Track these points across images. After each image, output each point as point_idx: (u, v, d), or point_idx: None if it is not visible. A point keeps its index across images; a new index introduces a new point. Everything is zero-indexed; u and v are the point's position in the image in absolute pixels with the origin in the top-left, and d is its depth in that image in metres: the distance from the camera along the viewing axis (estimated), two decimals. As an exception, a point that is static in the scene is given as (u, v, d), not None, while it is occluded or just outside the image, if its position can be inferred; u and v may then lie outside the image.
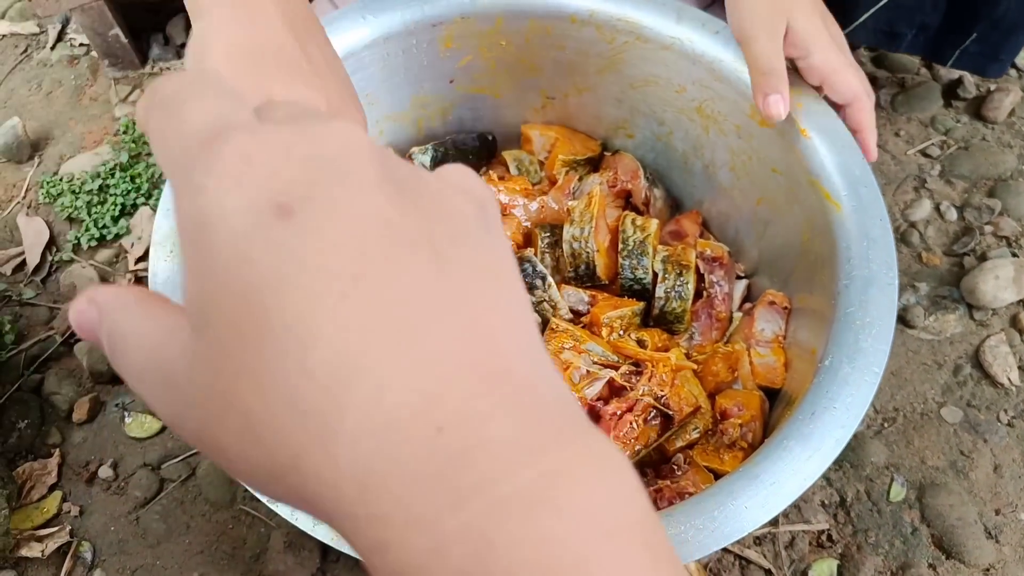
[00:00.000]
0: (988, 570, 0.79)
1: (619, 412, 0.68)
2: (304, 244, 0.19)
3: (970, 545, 0.79)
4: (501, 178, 0.89)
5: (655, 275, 0.80)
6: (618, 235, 0.82)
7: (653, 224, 0.82)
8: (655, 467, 0.71)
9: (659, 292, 0.79)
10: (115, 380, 0.93)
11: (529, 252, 0.81)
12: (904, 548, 0.80)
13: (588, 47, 0.84)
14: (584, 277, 0.82)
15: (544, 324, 0.78)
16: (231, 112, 0.21)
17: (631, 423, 0.68)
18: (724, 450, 0.69)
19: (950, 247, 0.98)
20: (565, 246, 0.82)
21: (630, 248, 0.81)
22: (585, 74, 0.87)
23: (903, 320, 0.93)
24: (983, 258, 0.95)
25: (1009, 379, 0.88)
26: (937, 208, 1.01)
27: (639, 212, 0.89)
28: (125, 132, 1.12)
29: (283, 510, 0.55)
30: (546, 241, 0.84)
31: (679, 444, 0.71)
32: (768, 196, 0.80)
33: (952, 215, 1.00)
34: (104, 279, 1.00)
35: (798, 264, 0.77)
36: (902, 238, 0.99)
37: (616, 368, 0.72)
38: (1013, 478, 0.84)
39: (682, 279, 0.79)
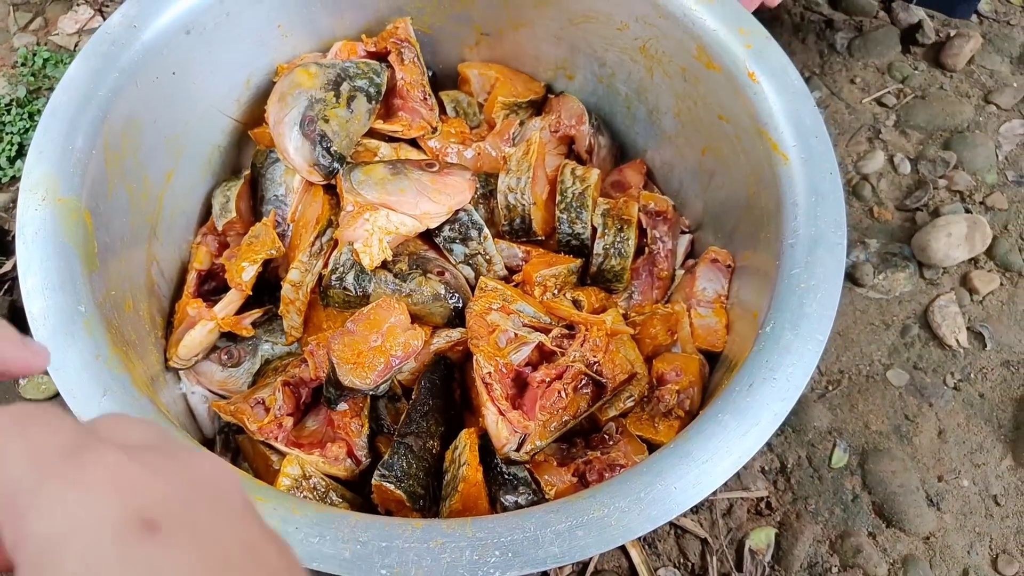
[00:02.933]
0: (928, 538, 0.76)
1: (548, 380, 0.63)
2: (168, 561, 0.19)
3: (911, 513, 0.77)
4: (442, 120, 0.82)
5: (594, 230, 0.75)
6: (556, 186, 0.76)
7: (594, 174, 0.76)
8: (585, 436, 0.67)
9: (597, 248, 0.74)
10: (9, 337, 0.86)
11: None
12: (844, 516, 0.77)
13: (524, -22, 0.77)
14: (519, 231, 0.76)
15: (476, 279, 0.72)
16: (86, 432, 0.21)
17: (560, 392, 0.63)
18: (659, 419, 0.65)
19: (902, 201, 0.94)
20: (500, 197, 0.76)
21: (568, 201, 0.75)
22: (521, 7, 0.80)
23: (852, 278, 0.89)
24: (936, 213, 0.92)
25: (957, 340, 0.85)
26: (891, 160, 0.96)
27: (581, 161, 0.83)
28: (24, 64, 1.02)
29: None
30: (479, 191, 0.77)
31: (612, 413, 0.67)
32: (714, 145, 0.74)
33: (906, 167, 0.95)
34: (-2, 226, 0.91)
35: (743, 219, 0.71)
36: (853, 191, 0.94)
37: (547, 331, 0.67)
38: (957, 443, 0.81)
39: (623, 235, 0.74)
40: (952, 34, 1.02)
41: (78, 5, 1.07)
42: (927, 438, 0.81)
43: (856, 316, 0.87)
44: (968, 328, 0.86)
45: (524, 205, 0.75)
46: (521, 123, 0.84)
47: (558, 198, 0.75)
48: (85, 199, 0.60)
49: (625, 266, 0.74)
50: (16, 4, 1.08)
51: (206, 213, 0.79)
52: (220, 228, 0.76)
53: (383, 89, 0.76)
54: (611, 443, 0.65)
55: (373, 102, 0.75)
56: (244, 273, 0.70)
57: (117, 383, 0.53)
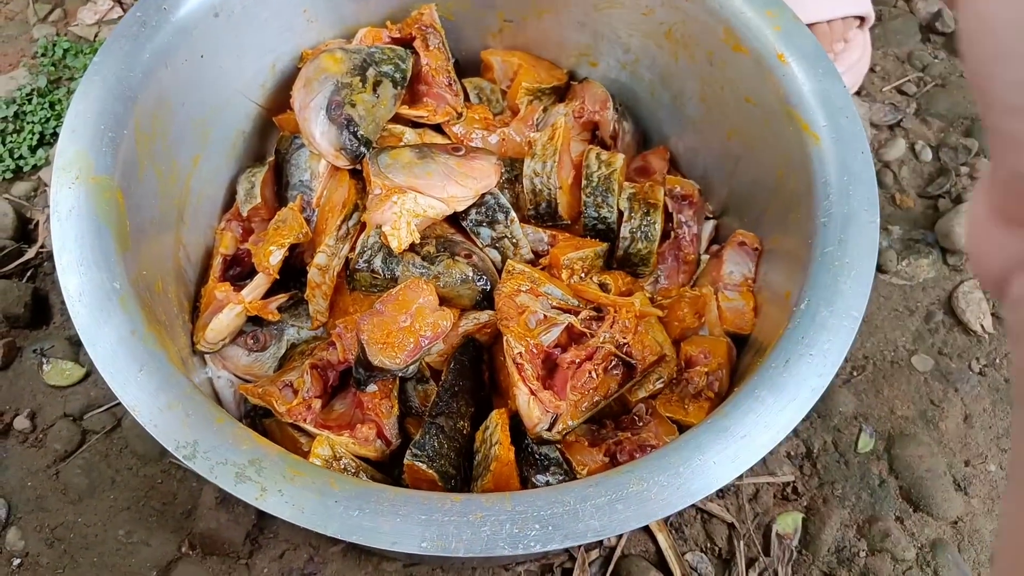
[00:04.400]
0: (956, 523, 0.76)
1: (578, 361, 0.63)
2: None
3: (939, 497, 0.76)
4: (466, 107, 0.82)
5: (620, 214, 0.75)
6: (582, 171, 0.76)
7: (619, 159, 0.76)
8: (615, 418, 0.66)
9: (624, 232, 0.74)
10: (32, 324, 0.86)
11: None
12: (871, 501, 0.77)
13: (549, -37, 0.77)
14: (545, 216, 0.76)
15: (502, 263, 0.72)
16: None
17: (590, 372, 0.62)
18: (689, 400, 0.65)
19: (924, 188, 0.93)
20: (525, 182, 0.76)
21: (594, 185, 0.75)
22: (546, -6, 0.80)
23: (876, 265, 0.89)
24: (958, 200, 0.91)
25: (982, 326, 0.85)
26: (912, 148, 0.96)
27: (605, 147, 0.83)
28: (44, 55, 1.02)
29: (201, 466, 0.49)
30: (505, 176, 0.77)
31: (641, 395, 0.66)
32: (740, 128, 0.74)
33: (927, 155, 0.95)
34: (20, 214, 0.91)
35: (771, 202, 0.71)
36: (876, 179, 0.94)
37: (576, 313, 0.66)
38: (983, 428, 0.81)
39: (649, 218, 0.74)
40: (972, 23, 1.01)
41: (98, -4, 1.07)
42: (953, 423, 0.81)
43: (880, 302, 0.87)
44: (993, 313, 0.86)
45: (550, 189, 0.75)
46: (545, 109, 0.84)
47: (584, 182, 0.75)
48: (118, 179, 0.60)
49: (652, 250, 0.74)
50: (35, -5, 1.08)
51: (230, 199, 0.79)
52: (245, 214, 0.76)
53: (408, 75, 0.76)
54: (641, 424, 0.65)
55: (399, 87, 0.75)
56: (272, 257, 0.70)
57: (153, 359, 0.53)
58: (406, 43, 0.79)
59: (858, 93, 0.99)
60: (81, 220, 0.56)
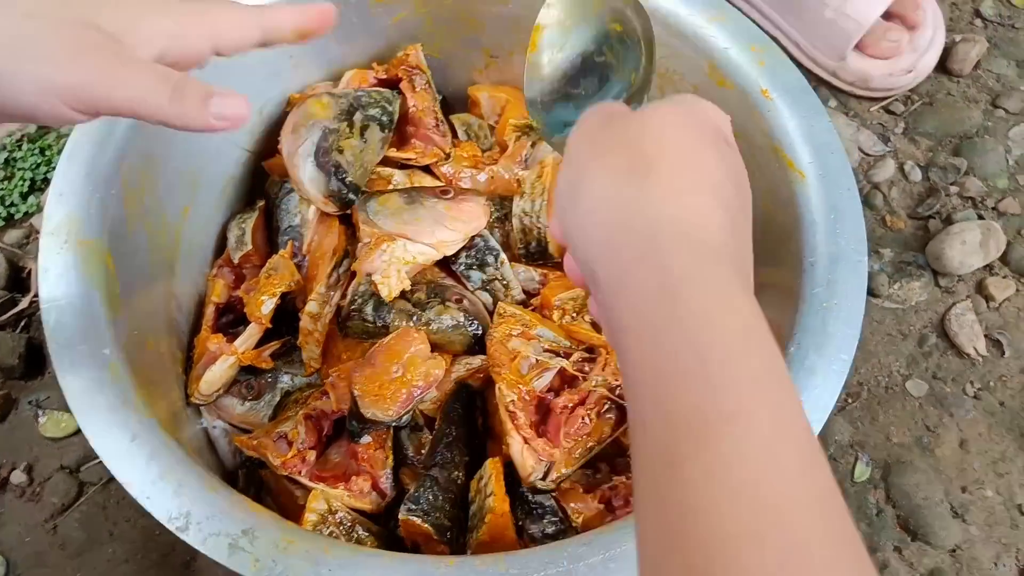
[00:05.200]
0: (955, 551, 0.76)
1: (571, 405, 0.63)
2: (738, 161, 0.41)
3: (936, 526, 0.76)
4: (455, 145, 0.82)
5: None
6: None
7: None
8: (610, 460, 0.66)
9: None
10: (27, 375, 0.86)
11: None
12: (869, 531, 0.77)
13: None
14: (535, 255, 0.76)
15: (494, 305, 0.72)
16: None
17: (583, 418, 0.62)
18: (684, 441, 0.65)
19: (914, 209, 0.94)
20: (515, 221, 0.76)
21: None
22: (530, 30, 0.80)
23: (867, 289, 0.89)
24: (948, 221, 0.91)
25: (975, 349, 0.85)
26: (901, 168, 0.96)
27: None
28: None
29: (194, 538, 0.49)
30: (495, 215, 0.77)
31: (636, 436, 0.66)
32: (727, 163, 0.74)
33: (916, 175, 0.95)
34: (12, 263, 0.91)
35: (760, 237, 0.71)
36: (865, 201, 0.94)
37: (568, 355, 0.66)
38: (979, 453, 0.81)
39: None
40: (957, 40, 1.02)
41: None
42: (949, 449, 0.81)
43: (873, 327, 0.87)
44: (986, 336, 0.86)
45: (540, 228, 0.75)
46: (533, 144, 0.84)
47: None
48: (107, 240, 0.60)
49: None
50: (22, 39, 1.08)
51: (222, 244, 0.79)
52: (236, 261, 0.76)
53: (396, 117, 0.76)
54: (636, 468, 0.64)
55: (386, 131, 0.75)
56: (263, 307, 0.70)
57: (144, 428, 0.53)
58: (393, 84, 0.80)
59: (845, 114, 0.99)
60: (70, 287, 0.56)
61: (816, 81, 1.02)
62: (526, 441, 0.61)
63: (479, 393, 0.70)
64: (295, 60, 0.77)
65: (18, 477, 0.80)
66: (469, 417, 0.67)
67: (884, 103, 1.00)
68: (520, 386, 0.62)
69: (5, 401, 0.84)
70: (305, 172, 0.72)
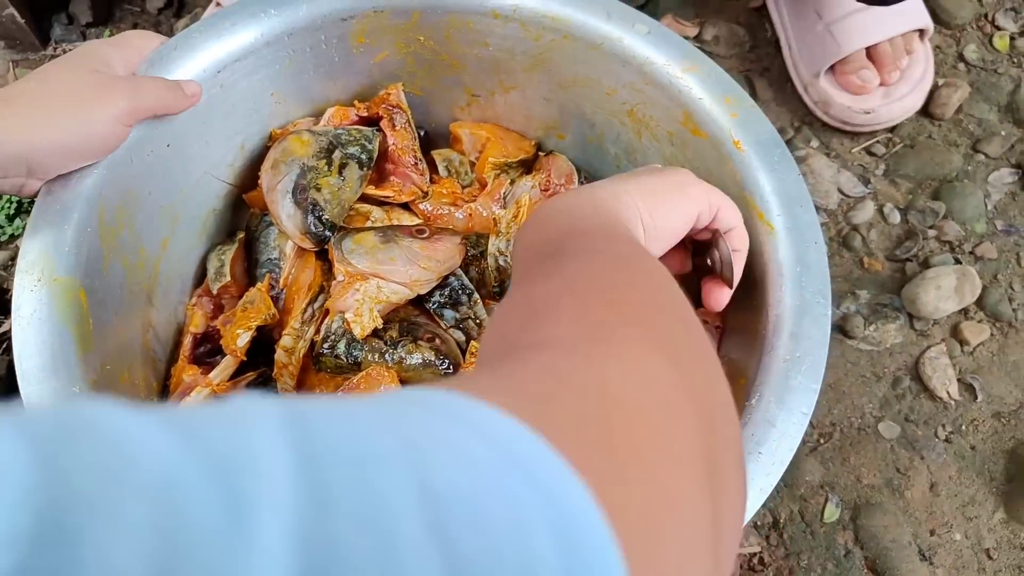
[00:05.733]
0: (921, 595, 0.77)
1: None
2: None
3: (903, 569, 0.77)
4: (432, 182, 0.83)
5: None
6: None
7: None
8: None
9: None
10: (8, 395, 0.87)
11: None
12: (837, 572, 0.78)
13: (513, 44, 0.78)
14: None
15: (467, 343, 0.73)
16: None
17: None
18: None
19: (892, 252, 0.94)
20: (490, 259, 0.77)
21: None
22: (511, 72, 0.81)
23: (842, 330, 0.90)
24: (926, 264, 0.92)
25: (948, 392, 0.85)
26: (880, 210, 0.97)
27: None
28: (23, 121, 1.03)
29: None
30: (470, 253, 0.78)
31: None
32: (702, 207, 0.75)
33: (895, 218, 0.96)
34: (-3, 285, 0.92)
35: (731, 282, 0.72)
36: (844, 242, 0.95)
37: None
38: (949, 496, 0.81)
39: None
40: (940, 83, 1.03)
41: (77, 61, 1.08)
42: (919, 491, 0.82)
43: (847, 368, 0.88)
44: (959, 380, 0.87)
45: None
46: (512, 182, 0.85)
47: None
48: (80, 277, 0.61)
49: None
50: (15, 60, 1.10)
51: (202, 274, 0.80)
52: (215, 292, 0.77)
53: (375, 156, 0.77)
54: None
55: (365, 169, 0.76)
56: (239, 340, 0.71)
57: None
58: (374, 122, 0.81)
59: (827, 155, 1.00)
60: (42, 325, 0.57)
61: (792, 92, 1.03)
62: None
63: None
64: (278, 97, 0.78)
65: None
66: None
67: (865, 144, 1.01)
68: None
69: (-16, 424, 0.85)
70: (283, 208, 0.73)
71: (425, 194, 0.79)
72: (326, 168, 0.74)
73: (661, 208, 0.51)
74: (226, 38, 0.71)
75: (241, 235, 0.80)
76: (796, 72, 1.03)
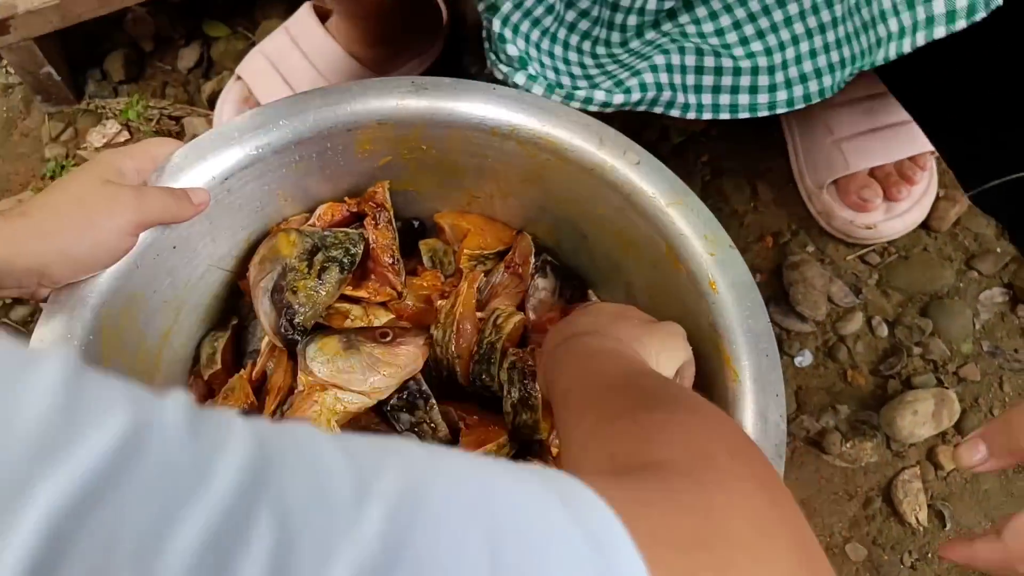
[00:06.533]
0: None
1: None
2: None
3: None
4: (416, 274, 0.86)
5: (502, 385, 0.77)
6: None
7: (512, 322, 0.80)
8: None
9: (506, 407, 0.75)
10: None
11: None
12: None
13: (511, 159, 0.81)
14: (448, 383, 0.80)
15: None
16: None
17: None
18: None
19: (877, 366, 0.96)
20: (432, 350, 0.79)
21: (481, 352, 0.78)
22: (509, 181, 0.84)
23: (819, 445, 0.92)
24: (908, 383, 0.94)
25: (917, 519, 0.87)
26: (869, 322, 0.99)
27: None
28: (51, 177, 1.09)
29: None
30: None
31: None
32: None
33: (883, 331, 0.98)
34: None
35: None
36: (829, 352, 0.97)
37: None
38: (908, 625, 0.83)
39: (528, 387, 0.74)
40: (940, 195, 1.04)
41: (107, 119, 1.13)
42: (878, 618, 0.84)
43: (821, 485, 0.90)
44: (930, 505, 0.88)
45: (449, 359, 0.78)
46: (486, 274, 0.88)
47: (475, 347, 0.79)
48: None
49: (537, 418, 0.75)
50: (51, 113, 1.15)
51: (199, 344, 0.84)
52: (206, 378, 0.81)
53: (358, 260, 0.80)
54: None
55: (345, 272, 0.79)
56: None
57: None
58: (361, 217, 0.84)
59: (821, 261, 1.02)
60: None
61: (794, 194, 1.05)
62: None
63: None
64: (282, 196, 0.82)
65: None
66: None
67: (860, 253, 1.03)
68: None
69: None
70: (262, 305, 0.77)
71: (400, 295, 0.82)
72: (306, 270, 0.78)
73: (668, 362, 0.63)
74: (235, 147, 0.75)
75: (234, 322, 0.84)
76: (801, 180, 1.05)
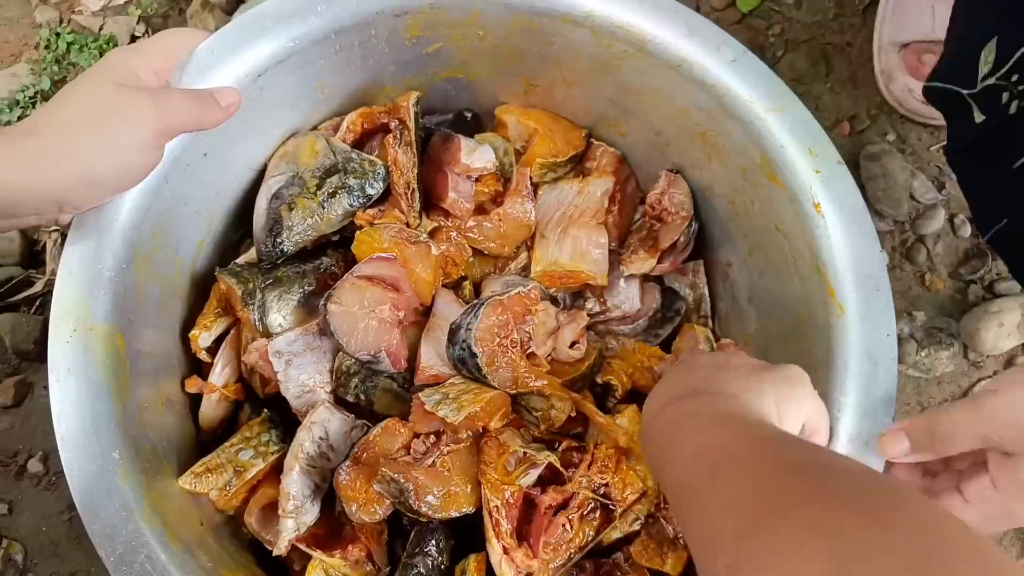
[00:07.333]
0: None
1: (554, 505, 0.63)
2: None
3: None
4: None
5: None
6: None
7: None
8: (592, 556, 0.66)
9: None
10: (42, 358, 0.86)
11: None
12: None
13: (580, 47, 0.71)
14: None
15: None
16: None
17: (564, 525, 0.62)
18: (668, 546, 0.65)
19: (957, 269, 0.90)
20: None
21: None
22: (574, 70, 0.74)
23: (892, 354, 0.87)
24: (990, 289, 0.88)
25: (991, 433, 0.84)
26: (951, 220, 0.91)
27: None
28: (47, 47, 0.97)
29: None
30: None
31: (616, 536, 0.66)
32: (764, 248, 0.71)
33: (966, 231, 0.91)
34: (28, 237, 0.90)
35: (789, 336, 0.69)
36: (907, 254, 0.90)
37: (560, 441, 0.67)
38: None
39: None
40: None
41: (103, -24, 1.00)
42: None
43: (891, 395, 0.86)
44: (1004, 418, 0.84)
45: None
46: (556, 180, 0.80)
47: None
48: (117, 321, 0.59)
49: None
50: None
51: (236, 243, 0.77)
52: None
53: (374, 198, 0.71)
54: (618, 575, 0.66)
55: (354, 206, 0.70)
56: (200, 339, 0.70)
57: (154, 537, 0.54)
58: (385, 130, 0.74)
59: (902, 152, 0.93)
60: (79, 384, 0.56)
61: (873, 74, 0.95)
62: (506, 551, 0.61)
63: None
64: (321, 86, 0.72)
65: (35, 466, 0.83)
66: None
67: (944, 142, 0.93)
68: (505, 488, 0.62)
69: (20, 386, 0.85)
70: (260, 204, 0.71)
71: (407, 224, 0.72)
72: (313, 189, 0.69)
73: (791, 415, 0.51)
74: (268, 39, 0.65)
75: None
76: (879, 31, 0.94)
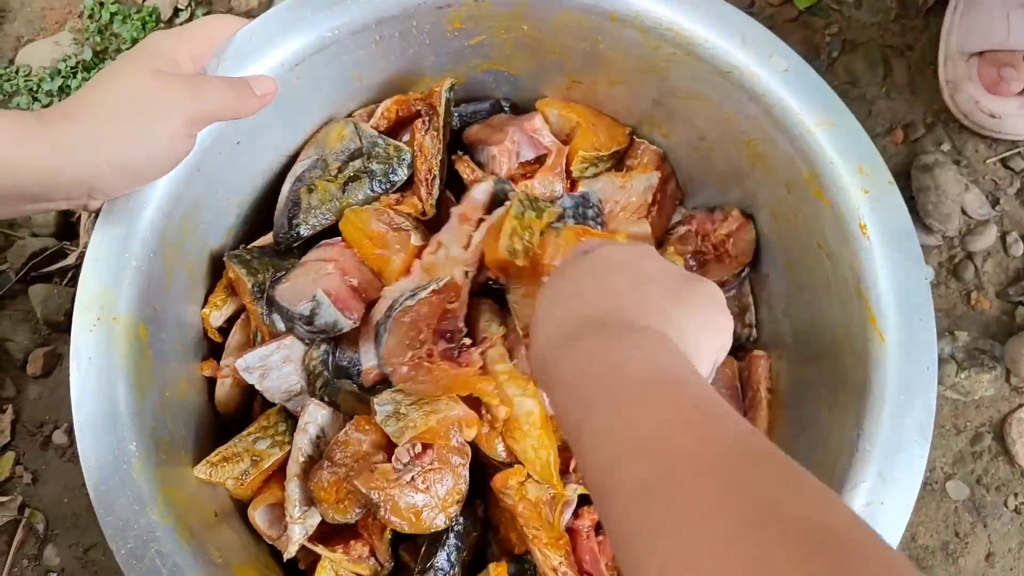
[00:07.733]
0: (952, 671, 0.77)
1: (594, 524, 0.62)
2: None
3: (941, 641, 0.77)
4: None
5: None
6: None
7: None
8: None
9: None
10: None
11: None
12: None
13: (627, 47, 0.68)
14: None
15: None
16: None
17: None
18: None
19: (1005, 289, 0.86)
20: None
21: None
22: (620, 69, 0.72)
23: (931, 375, 0.84)
24: (1040, 313, 0.84)
25: (1030, 462, 0.81)
26: (1003, 238, 0.88)
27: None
28: (90, 16, 0.96)
29: None
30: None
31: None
32: (805, 264, 0.68)
33: (1018, 249, 0.87)
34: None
35: (824, 355, 0.67)
36: (954, 271, 0.87)
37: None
38: (1004, 570, 0.79)
39: None
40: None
41: (149, -54, 0.99)
42: (974, 560, 0.80)
43: (927, 417, 0.83)
44: (1044, 448, 0.82)
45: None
46: (597, 175, 0.78)
47: None
48: (141, 311, 0.58)
49: None
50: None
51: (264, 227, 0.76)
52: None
53: (397, 183, 0.69)
54: None
55: (376, 191, 0.69)
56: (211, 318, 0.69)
57: (166, 532, 0.54)
58: (416, 118, 0.72)
59: (957, 163, 0.89)
60: (100, 372, 0.56)
61: (934, 79, 0.91)
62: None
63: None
64: (357, 74, 0.70)
65: (60, 438, 0.84)
66: (467, 511, 0.65)
67: (1003, 155, 0.90)
68: (563, 543, 0.61)
69: (50, 357, 0.86)
70: (284, 187, 0.70)
71: (424, 212, 0.70)
72: (335, 172, 0.69)
73: (709, 351, 0.46)
74: (308, 28, 0.63)
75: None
76: (946, 40, 0.90)
